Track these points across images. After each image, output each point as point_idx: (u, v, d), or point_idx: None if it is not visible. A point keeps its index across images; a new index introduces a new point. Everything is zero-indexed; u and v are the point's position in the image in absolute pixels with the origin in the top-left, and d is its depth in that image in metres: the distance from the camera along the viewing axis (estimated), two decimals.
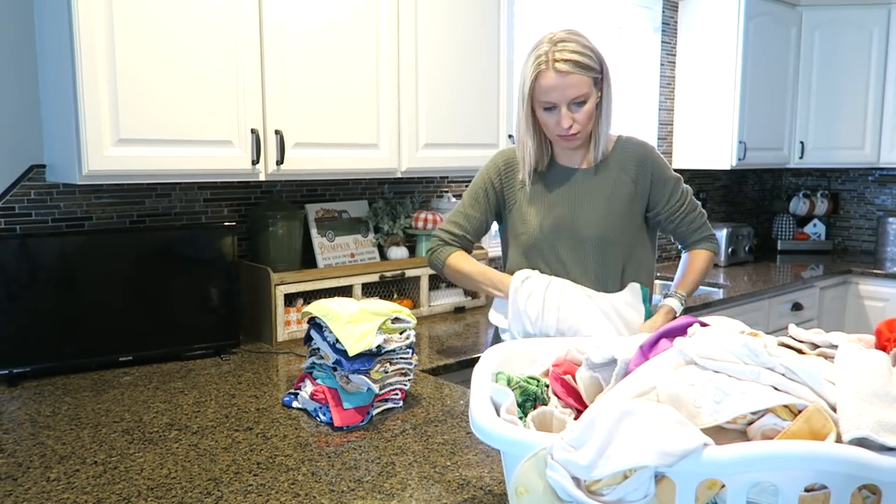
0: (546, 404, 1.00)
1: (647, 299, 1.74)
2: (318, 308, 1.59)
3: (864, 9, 3.87)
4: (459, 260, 1.81)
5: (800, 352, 0.95)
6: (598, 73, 1.62)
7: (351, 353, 1.49)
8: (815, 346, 0.97)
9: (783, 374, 0.85)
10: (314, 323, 1.61)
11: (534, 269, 1.76)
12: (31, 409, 1.62)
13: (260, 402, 1.66)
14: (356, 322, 1.52)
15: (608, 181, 1.73)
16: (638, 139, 1.79)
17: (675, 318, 1.72)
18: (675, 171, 1.83)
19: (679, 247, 1.90)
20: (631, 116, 3.74)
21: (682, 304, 1.77)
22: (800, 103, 3.99)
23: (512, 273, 1.78)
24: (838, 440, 0.78)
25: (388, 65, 2.27)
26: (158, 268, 1.99)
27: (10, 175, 1.97)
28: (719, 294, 3.14)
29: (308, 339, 1.64)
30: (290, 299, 2.24)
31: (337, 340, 1.51)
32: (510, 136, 2.61)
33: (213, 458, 1.35)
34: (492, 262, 3.06)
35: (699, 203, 1.85)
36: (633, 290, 1.73)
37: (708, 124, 3.78)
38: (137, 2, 1.78)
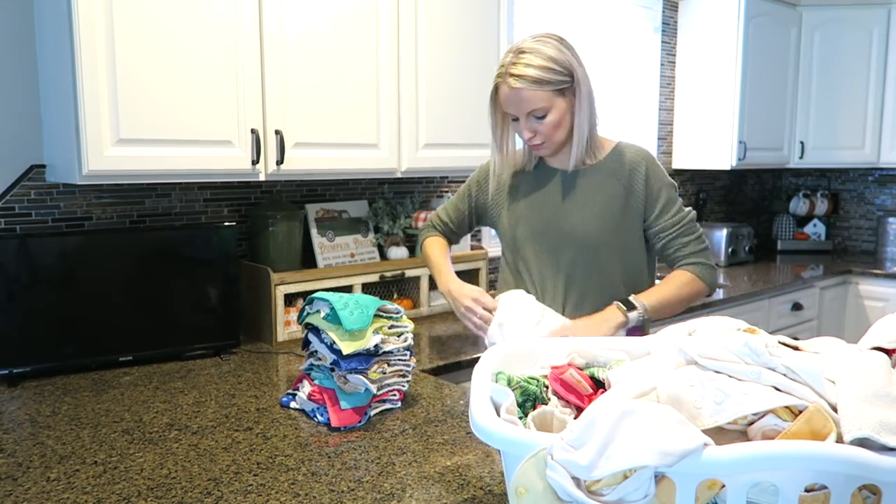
0: (546, 404, 1.00)
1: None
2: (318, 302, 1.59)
3: (864, 9, 3.87)
4: (431, 244, 1.91)
5: (797, 349, 0.95)
6: (563, 84, 1.56)
7: (345, 351, 1.49)
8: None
9: (784, 375, 0.85)
10: (311, 327, 1.61)
11: (518, 272, 1.75)
12: (31, 409, 1.62)
13: (260, 402, 1.66)
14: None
15: (596, 185, 1.66)
16: (636, 147, 1.71)
17: (619, 320, 1.58)
18: (676, 171, 1.77)
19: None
20: (631, 116, 3.74)
21: (635, 311, 1.58)
22: (800, 103, 3.99)
23: (507, 282, 1.78)
24: (839, 440, 0.78)
25: (388, 65, 2.27)
26: (158, 268, 1.99)
27: (10, 175, 1.97)
28: (719, 294, 3.14)
29: (306, 343, 1.64)
30: (290, 299, 2.24)
31: (333, 342, 1.51)
32: None
33: (213, 458, 1.35)
34: (491, 261, 3.06)
35: (698, 228, 1.69)
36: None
37: (708, 124, 3.78)
38: (138, 2, 1.78)
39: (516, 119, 1.61)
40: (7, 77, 1.94)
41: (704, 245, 1.69)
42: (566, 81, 1.57)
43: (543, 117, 1.58)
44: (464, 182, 3.00)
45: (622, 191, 1.65)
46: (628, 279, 1.68)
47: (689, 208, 1.70)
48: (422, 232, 1.98)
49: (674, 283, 1.65)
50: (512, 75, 1.55)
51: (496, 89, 1.61)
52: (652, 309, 1.61)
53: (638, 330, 1.67)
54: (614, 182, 1.66)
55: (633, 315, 1.58)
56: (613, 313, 1.59)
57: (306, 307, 1.63)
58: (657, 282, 1.73)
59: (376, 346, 1.54)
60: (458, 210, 1.91)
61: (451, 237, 1.95)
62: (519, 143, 1.74)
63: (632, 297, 1.61)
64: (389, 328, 1.60)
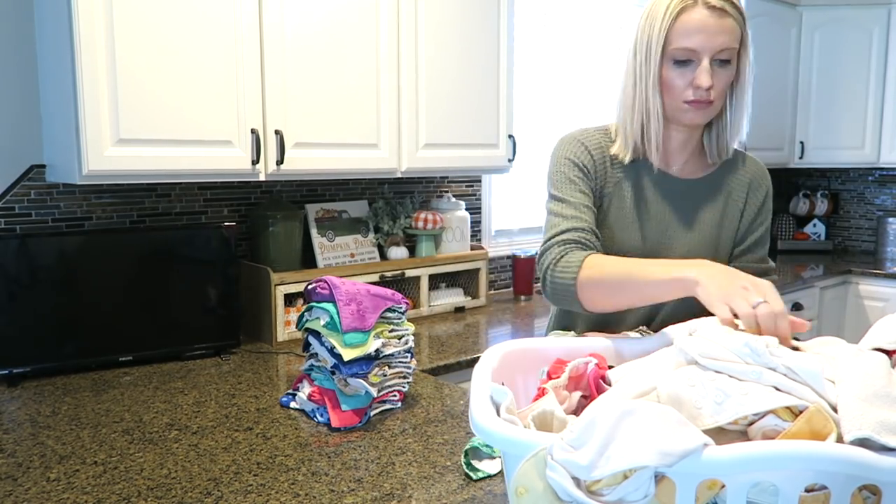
0: None
1: None
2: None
3: (864, 9, 3.87)
4: (599, 261, 1.22)
5: (797, 349, 0.95)
6: (740, 39, 1.24)
7: (346, 358, 1.49)
8: None
9: (785, 375, 0.85)
10: (312, 330, 1.61)
11: None
12: (31, 409, 1.62)
13: (260, 402, 1.66)
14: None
15: (716, 204, 1.37)
16: (758, 162, 1.42)
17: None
18: None
19: None
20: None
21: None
22: (800, 103, 3.99)
23: None
24: (839, 440, 0.78)
25: (388, 65, 2.27)
26: (158, 268, 1.99)
27: (10, 175, 1.96)
28: None
29: (307, 345, 1.63)
30: (290, 299, 2.24)
31: (334, 346, 1.51)
32: (510, 137, 2.61)
33: (213, 458, 1.35)
34: (492, 261, 3.06)
35: (772, 272, 1.39)
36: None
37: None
38: (138, 1, 1.78)
39: (684, 62, 1.23)
40: (7, 77, 1.94)
41: None
42: (741, 38, 1.25)
43: (727, 64, 1.24)
44: (464, 182, 3.02)
45: (738, 214, 1.38)
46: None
47: (771, 263, 1.42)
48: (554, 268, 1.26)
49: None
50: None
51: (676, 17, 1.21)
52: None
53: None
54: (731, 203, 1.38)
55: None
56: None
57: (305, 314, 1.62)
58: None
59: (377, 350, 1.54)
60: (585, 204, 1.33)
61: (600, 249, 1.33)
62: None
63: None
64: (390, 332, 1.60)
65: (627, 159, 1.35)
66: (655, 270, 1.12)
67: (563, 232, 1.30)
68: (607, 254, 1.30)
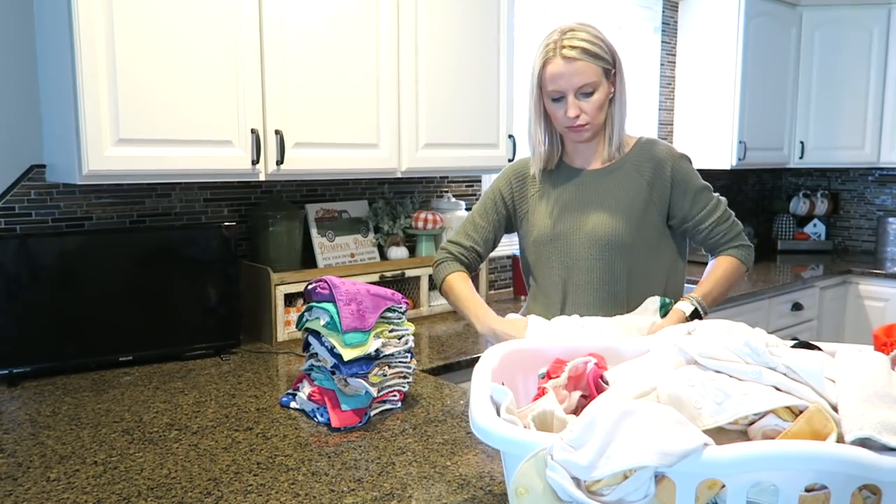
0: None
1: (664, 308, 1.64)
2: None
3: (864, 9, 3.87)
4: (456, 282, 1.72)
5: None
6: (609, 65, 1.58)
7: (346, 357, 1.48)
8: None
9: (785, 374, 0.85)
10: (312, 330, 1.61)
11: (541, 274, 1.72)
12: (31, 409, 1.62)
13: (260, 402, 1.66)
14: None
15: (620, 183, 1.65)
16: (661, 142, 1.72)
17: (684, 320, 1.57)
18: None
19: (709, 256, 1.77)
20: (631, 116, 3.74)
21: (693, 306, 1.60)
22: (800, 103, 3.99)
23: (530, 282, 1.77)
24: (839, 440, 0.78)
25: (388, 65, 2.27)
26: (158, 268, 1.99)
27: (10, 175, 1.96)
28: None
29: (307, 345, 1.63)
30: (290, 299, 2.24)
31: (334, 346, 1.51)
32: (510, 137, 2.61)
33: (213, 458, 1.35)
34: (491, 262, 3.06)
35: (732, 214, 1.72)
36: (648, 304, 1.64)
37: (708, 124, 3.78)
38: (137, 2, 1.78)
39: (558, 99, 1.58)
40: (7, 77, 1.94)
41: (740, 227, 1.71)
42: (610, 64, 1.59)
43: (591, 95, 1.57)
44: (464, 183, 3.02)
45: (645, 186, 1.65)
46: (654, 277, 1.67)
47: (716, 194, 1.72)
48: (438, 266, 1.77)
49: (719, 272, 1.67)
50: (565, 47, 1.56)
51: (543, 67, 1.58)
52: (708, 302, 1.63)
53: None
54: (637, 178, 1.65)
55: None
56: (676, 315, 1.60)
57: (305, 314, 1.62)
58: (685, 275, 1.76)
59: (377, 350, 1.54)
60: (483, 227, 1.77)
61: (475, 264, 1.79)
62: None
63: (686, 296, 1.63)
64: (390, 332, 1.60)
65: (534, 169, 1.73)
66: (472, 315, 1.66)
67: (452, 242, 1.78)
68: (532, 240, 1.72)
